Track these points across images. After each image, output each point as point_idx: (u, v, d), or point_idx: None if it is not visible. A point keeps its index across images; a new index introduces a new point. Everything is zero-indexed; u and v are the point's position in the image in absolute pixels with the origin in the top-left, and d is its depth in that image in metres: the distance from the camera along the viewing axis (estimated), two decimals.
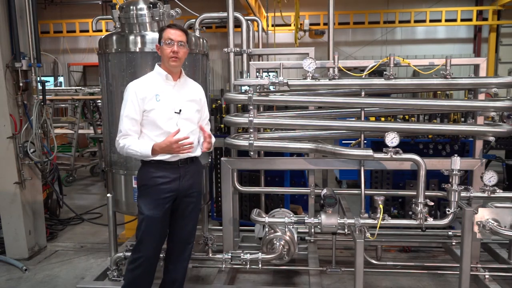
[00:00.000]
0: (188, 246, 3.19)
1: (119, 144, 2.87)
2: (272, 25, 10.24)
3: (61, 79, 15.08)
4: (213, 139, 3.10)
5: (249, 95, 3.54)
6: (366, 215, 3.47)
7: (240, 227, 4.52)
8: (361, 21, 13.14)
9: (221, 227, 3.94)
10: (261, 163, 4.02)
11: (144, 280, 3.03)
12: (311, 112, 3.92)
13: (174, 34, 2.85)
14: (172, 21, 4.17)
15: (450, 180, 3.23)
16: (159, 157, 2.86)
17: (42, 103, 4.50)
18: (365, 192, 3.66)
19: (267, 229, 3.69)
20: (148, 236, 2.95)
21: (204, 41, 3.87)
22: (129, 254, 3.72)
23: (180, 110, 2.92)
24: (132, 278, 3.01)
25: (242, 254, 3.62)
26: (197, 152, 3.03)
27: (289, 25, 10.58)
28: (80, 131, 8.55)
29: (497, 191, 3.27)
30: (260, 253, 3.61)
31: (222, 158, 3.86)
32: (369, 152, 3.38)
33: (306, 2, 11.65)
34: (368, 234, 3.28)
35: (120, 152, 2.93)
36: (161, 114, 2.86)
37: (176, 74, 2.96)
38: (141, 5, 3.42)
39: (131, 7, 3.43)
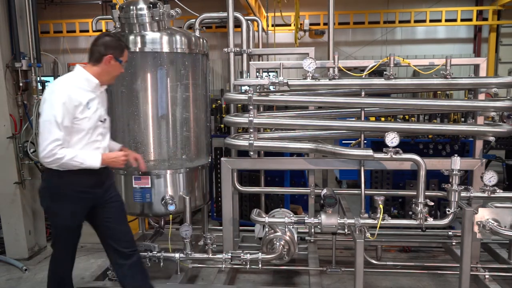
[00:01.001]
0: (131, 244, 3.11)
1: (56, 155, 2.60)
2: (272, 25, 10.22)
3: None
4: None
5: (249, 95, 3.54)
6: (366, 215, 3.47)
7: (240, 227, 4.52)
8: (361, 21, 13.12)
9: (221, 227, 3.94)
10: (261, 163, 4.02)
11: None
12: (311, 112, 3.92)
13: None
14: (172, 21, 4.18)
15: (450, 180, 3.23)
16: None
17: None
18: (365, 192, 3.66)
19: (267, 229, 3.69)
20: (69, 246, 2.92)
21: (204, 41, 3.87)
22: None
23: (105, 119, 2.91)
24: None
25: (242, 254, 3.62)
26: None
27: (289, 25, 10.57)
28: None
29: (497, 191, 3.27)
30: (260, 253, 3.60)
31: (222, 158, 3.86)
32: (369, 152, 3.37)
33: (306, 2, 11.63)
34: (368, 234, 3.28)
35: (51, 163, 2.65)
36: (91, 123, 2.77)
37: (103, 84, 2.92)
38: (141, 5, 3.42)
39: (131, 7, 3.43)
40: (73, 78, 2.79)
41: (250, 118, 3.55)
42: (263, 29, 5.42)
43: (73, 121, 2.68)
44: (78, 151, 2.71)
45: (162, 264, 3.69)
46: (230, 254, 3.68)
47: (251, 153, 3.67)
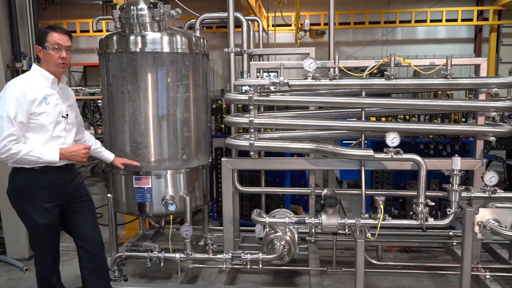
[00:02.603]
0: (99, 245, 3.10)
1: (11, 150, 2.58)
2: (273, 25, 10.25)
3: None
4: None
5: (250, 95, 3.54)
6: (367, 215, 3.47)
7: (241, 227, 4.52)
8: (361, 21, 13.14)
9: (222, 227, 3.94)
10: (261, 163, 4.02)
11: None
12: (312, 112, 3.92)
13: (61, 39, 2.76)
14: (172, 22, 4.18)
15: (451, 180, 3.23)
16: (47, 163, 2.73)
17: None
18: (366, 192, 3.66)
19: (267, 229, 3.69)
20: (47, 246, 2.89)
21: (205, 41, 3.87)
22: (129, 254, 3.74)
23: (67, 115, 2.88)
24: None
25: (242, 254, 3.62)
26: None
27: (290, 25, 10.59)
28: None
29: (498, 191, 3.27)
30: (260, 253, 3.60)
31: (222, 159, 3.86)
32: (370, 152, 3.37)
33: (307, 2, 11.65)
34: (368, 234, 3.28)
35: (6, 159, 2.64)
36: (51, 118, 2.74)
37: (58, 78, 2.86)
38: (142, 5, 3.42)
39: (132, 7, 3.42)
40: (28, 75, 2.81)
41: (250, 118, 3.55)
42: (263, 29, 5.43)
43: (31, 117, 2.66)
44: (35, 145, 2.67)
45: (162, 264, 3.69)
46: (230, 254, 3.68)
47: (252, 153, 3.67)
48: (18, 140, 2.62)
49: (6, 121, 2.59)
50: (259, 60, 4.72)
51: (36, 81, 2.76)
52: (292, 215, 3.51)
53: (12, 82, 2.75)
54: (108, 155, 3.39)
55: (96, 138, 3.41)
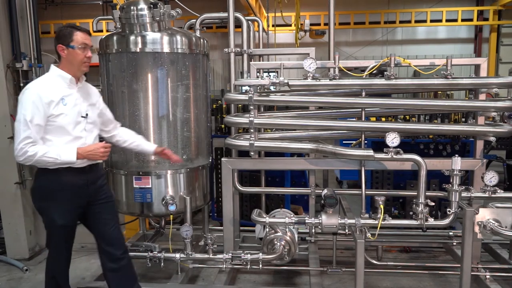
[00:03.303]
0: (120, 246, 3.08)
1: (27, 152, 2.61)
2: (273, 25, 10.23)
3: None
4: None
5: (250, 95, 3.54)
6: (367, 215, 3.47)
7: (241, 227, 4.53)
8: (361, 21, 13.12)
9: (222, 228, 3.94)
10: (261, 163, 4.02)
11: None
12: (312, 112, 3.92)
13: (87, 38, 2.78)
14: (172, 22, 4.18)
15: (451, 180, 3.23)
16: (68, 164, 2.72)
17: None
18: (366, 192, 3.67)
19: (267, 230, 3.69)
20: (63, 247, 2.91)
21: (205, 41, 3.87)
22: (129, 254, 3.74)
23: (87, 114, 2.84)
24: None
25: (242, 254, 3.62)
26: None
27: (290, 25, 10.57)
28: None
29: (498, 191, 3.27)
30: (260, 253, 3.60)
31: (222, 159, 3.86)
32: (370, 152, 3.37)
33: (307, 2, 11.63)
34: (368, 234, 3.28)
35: (24, 161, 2.66)
36: (69, 119, 2.73)
37: (77, 77, 2.84)
38: (142, 5, 3.42)
39: (132, 7, 3.43)
40: (46, 77, 2.81)
41: (250, 118, 3.55)
42: (263, 29, 5.42)
43: (49, 119, 2.67)
44: (51, 147, 2.68)
45: (162, 264, 3.69)
46: (230, 254, 3.68)
47: (252, 153, 3.67)
48: (34, 142, 2.63)
49: (22, 124, 2.62)
50: (259, 60, 4.73)
51: (53, 82, 2.75)
52: (292, 215, 3.51)
53: (29, 85, 2.75)
54: (148, 147, 3.28)
55: None
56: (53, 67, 2.82)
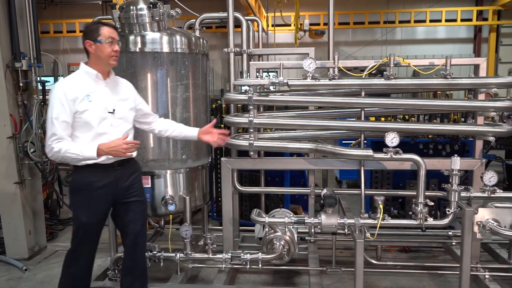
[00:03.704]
0: (142, 244, 3.12)
1: (53, 149, 2.67)
2: (272, 25, 10.24)
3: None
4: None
5: (249, 95, 3.54)
6: (366, 215, 3.47)
7: (240, 227, 4.52)
8: (361, 21, 13.12)
9: (221, 227, 3.94)
10: (261, 163, 4.02)
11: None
12: (311, 112, 3.92)
13: (113, 33, 2.79)
14: (172, 22, 4.18)
15: (450, 180, 3.23)
16: (93, 160, 2.73)
17: (42, 103, 4.50)
18: (365, 192, 3.66)
19: (267, 229, 3.69)
20: (85, 244, 2.91)
21: (204, 41, 3.87)
22: None
23: (114, 110, 2.83)
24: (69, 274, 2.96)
25: (242, 254, 3.62)
26: (134, 153, 2.95)
27: (289, 25, 10.57)
28: None
29: (497, 191, 3.27)
30: (260, 253, 3.60)
31: (222, 158, 3.86)
32: (369, 152, 3.38)
33: (306, 2, 11.63)
34: (368, 234, 3.28)
35: (52, 157, 2.76)
36: (94, 114, 2.74)
37: (105, 73, 2.85)
38: (141, 5, 3.42)
39: (131, 7, 3.43)
40: (73, 75, 2.84)
41: (250, 118, 3.55)
42: (263, 29, 5.42)
43: (75, 116, 2.70)
44: (73, 143, 2.71)
45: (162, 264, 3.69)
46: (230, 254, 3.68)
47: (251, 153, 3.67)
48: (60, 139, 2.67)
49: (49, 122, 2.69)
50: (259, 60, 4.72)
51: (79, 79, 2.79)
52: (291, 215, 3.51)
53: (57, 83, 2.81)
54: (192, 133, 3.25)
55: None
56: (82, 65, 2.85)
